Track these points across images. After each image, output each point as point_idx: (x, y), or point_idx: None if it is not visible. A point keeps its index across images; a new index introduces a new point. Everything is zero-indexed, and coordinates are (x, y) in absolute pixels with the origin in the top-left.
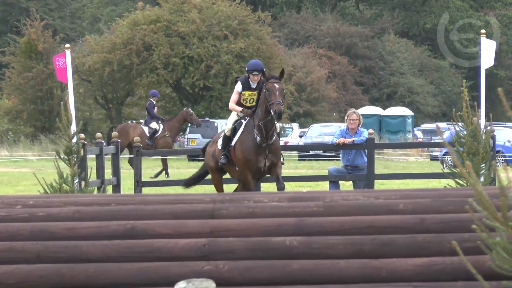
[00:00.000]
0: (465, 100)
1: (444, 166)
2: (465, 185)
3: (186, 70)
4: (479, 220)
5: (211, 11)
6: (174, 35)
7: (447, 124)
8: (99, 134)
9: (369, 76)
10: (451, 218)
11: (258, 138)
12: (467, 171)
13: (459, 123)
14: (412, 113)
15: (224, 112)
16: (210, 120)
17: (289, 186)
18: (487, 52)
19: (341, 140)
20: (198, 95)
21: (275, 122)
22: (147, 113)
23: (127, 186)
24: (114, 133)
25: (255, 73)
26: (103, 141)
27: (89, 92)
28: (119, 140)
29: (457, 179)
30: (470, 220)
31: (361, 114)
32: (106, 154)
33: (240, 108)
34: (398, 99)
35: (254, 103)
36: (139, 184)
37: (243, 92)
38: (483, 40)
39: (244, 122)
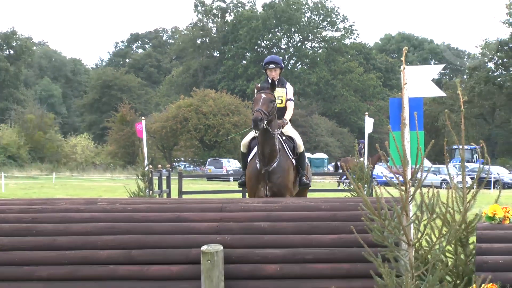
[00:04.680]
0: (356, 150)
1: (344, 185)
2: (356, 196)
3: (206, 132)
4: (365, 215)
5: (220, 100)
6: (199, 112)
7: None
8: (159, 165)
9: (304, 136)
10: (350, 213)
11: (258, 163)
12: (358, 188)
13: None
14: (327, 157)
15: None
16: (220, 159)
17: None
18: (369, 124)
19: None
20: (213, 145)
21: (276, 145)
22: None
23: (174, 194)
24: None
25: (271, 66)
26: (162, 169)
27: (153, 143)
28: (163, 170)
29: (352, 193)
30: (360, 215)
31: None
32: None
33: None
34: (319, 149)
35: (282, 104)
36: (180, 193)
37: None
38: (367, 118)
39: None
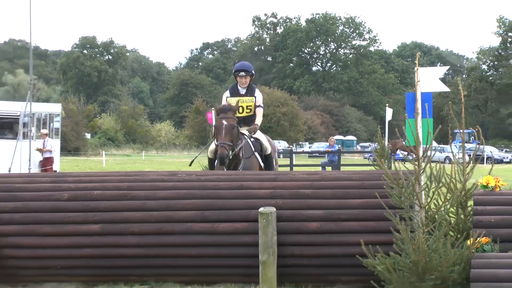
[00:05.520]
0: (378, 133)
1: (369, 161)
2: (379, 169)
3: None
4: (386, 184)
5: (272, 94)
6: None
7: (370, 143)
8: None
9: (338, 123)
10: (375, 182)
11: (225, 169)
12: (381, 163)
13: (377, 143)
14: (356, 139)
15: None
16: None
17: (306, 168)
18: (389, 113)
19: (327, 149)
20: (267, 130)
21: (240, 153)
22: None
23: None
24: None
25: (241, 74)
26: None
27: None
28: None
29: (376, 167)
30: (383, 184)
31: (335, 139)
32: None
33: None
34: (350, 132)
35: (251, 112)
36: None
37: (230, 99)
38: (388, 108)
39: None
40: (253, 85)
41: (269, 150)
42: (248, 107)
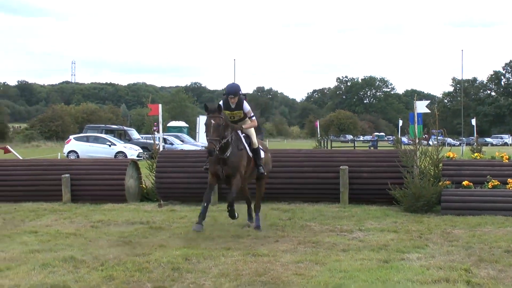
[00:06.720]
0: (395, 132)
1: (391, 145)
2: (396, 148)
3: (340, 125)
4: (400, 155)
5: (345, 113)
6: (336, 118)
7: (391, 136)
8: (327, 136)
9: (376, 127)
10: (395, 154)
11: (217, 152)
12: (398, 146)
13: (395, 136)
14: (384, 134)
15: None
16: (346, 135)
17: (361, 148)
18: (400, 122)
19: (371, 139)
20: (343, 130)
21: (229, 140)
22: None
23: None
24: None
25: (230, 96)
26: (325, 138)
27: (322, 129)
28: (325, 138)
29: (395, 147)
30: (398, 155)
31: (375, 134)
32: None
33: None
34: (382, 131)
35: (240, 118)
36: (331, 147)
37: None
38: (400, 120)
39: None
40: (242, 99)
41: (256, 146)
42: (237, 116)
